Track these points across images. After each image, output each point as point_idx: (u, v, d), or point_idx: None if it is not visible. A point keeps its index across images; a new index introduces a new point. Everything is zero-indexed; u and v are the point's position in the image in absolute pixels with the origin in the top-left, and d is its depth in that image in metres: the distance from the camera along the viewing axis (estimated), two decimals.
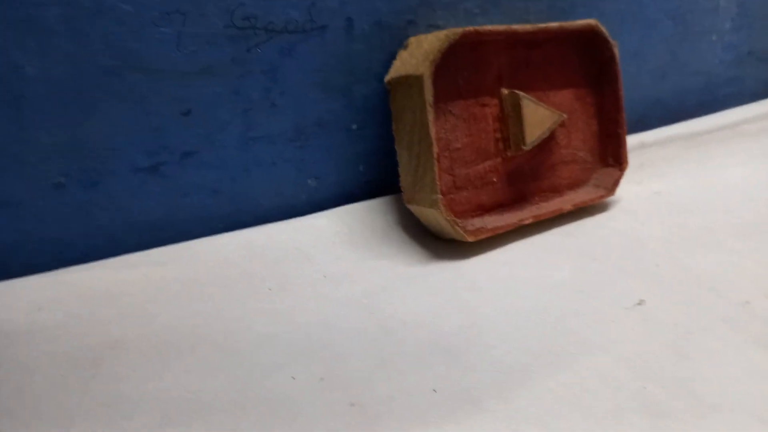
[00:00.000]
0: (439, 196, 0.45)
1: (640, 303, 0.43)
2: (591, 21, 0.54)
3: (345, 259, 0.46)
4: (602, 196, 0.56)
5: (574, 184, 0.58)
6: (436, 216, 0.47)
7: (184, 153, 0.42)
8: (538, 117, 0.51)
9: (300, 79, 0.44)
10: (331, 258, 0.46)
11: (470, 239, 0.47)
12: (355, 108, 0.48)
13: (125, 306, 0.38)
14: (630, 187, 0.63)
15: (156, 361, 0.34)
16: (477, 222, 0.49)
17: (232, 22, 0.39)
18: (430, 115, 0.44)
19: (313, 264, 0.44)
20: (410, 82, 0.45)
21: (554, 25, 0.51)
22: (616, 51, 0.56)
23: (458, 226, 0.46)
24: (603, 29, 0.55)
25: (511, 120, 0.50)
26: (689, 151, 0.72)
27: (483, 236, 0.48)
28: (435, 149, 0.44)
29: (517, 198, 0.54)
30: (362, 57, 0.46)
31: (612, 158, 0.58)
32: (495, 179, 0.52)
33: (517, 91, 0.50)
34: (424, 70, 0.43)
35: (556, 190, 0.56)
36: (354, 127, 0.49)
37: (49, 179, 0.38)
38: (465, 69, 0.49)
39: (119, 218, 0.41)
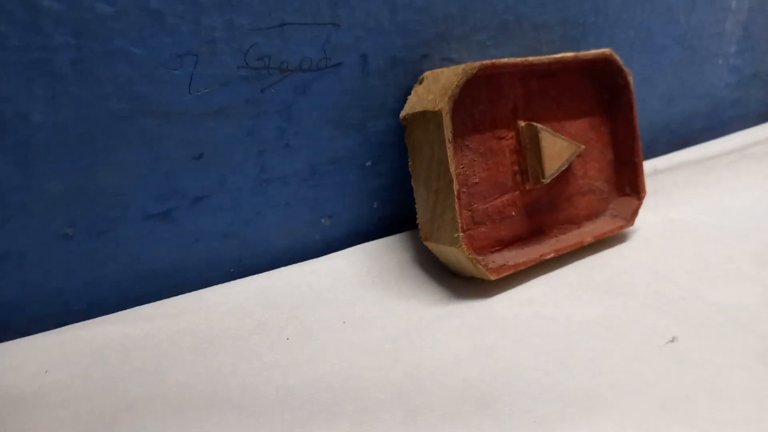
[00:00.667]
0: (460, 234, 0.43)
1: (673, 340, 0.42)
2: (605, 50, 0.53)
3: (364, 301, 0.44)
4: (621, 227, 0.55)
5: (592, 215, 0.56)
6: (456, 254, 0.45)
7: (196, 198, 0.40)
8: (556, 149, 0.49)
9: (314, 118, 0.43)
10: (349, 301, 0.44)
11: (492, 277, 0.45)
12: (370, 144, 0.46)
13: (137, 363, 0.36)
14: (645, 215, 0.62)
15: (172, 423, 0.32)
16: (497, 258, 0.48)
17: (246, 62, 0.38)
18: (450, 152, 0.43)
19: (331, 309, 0.43)
20: (428, 117, 0.43)
21: (569, 55, 0.50)
22: (631, 79, 0.55)
23: (480, 264, 0.45)
24: (617, 58, 0.54)
25: (528, 152, 0.49)
26: (699, 176, 0.71)
27: (505, 273, 0.46)
28: (456, 186, 0.43)
29: (535, 231, 0.52)
30: (377, 93, 0.45)
31: (629, 187, 0.57)
32: (513, 213, 0.50)
33: (534, 123, 0.48)
34: (443, 105, 0.42)
35: (574, 222, 0.55)
36: (368, 163, 0.47)
37: (56, 229, 0.36)
38: (481, 102, 0.47)
39: (128, 267, 0.39)
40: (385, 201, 0.50)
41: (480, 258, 0.45)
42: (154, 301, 0.39)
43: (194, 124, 0.38)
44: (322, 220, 0.47)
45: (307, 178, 0.44)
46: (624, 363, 0.39)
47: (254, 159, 0.41)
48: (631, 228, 0.58)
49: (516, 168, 0.50)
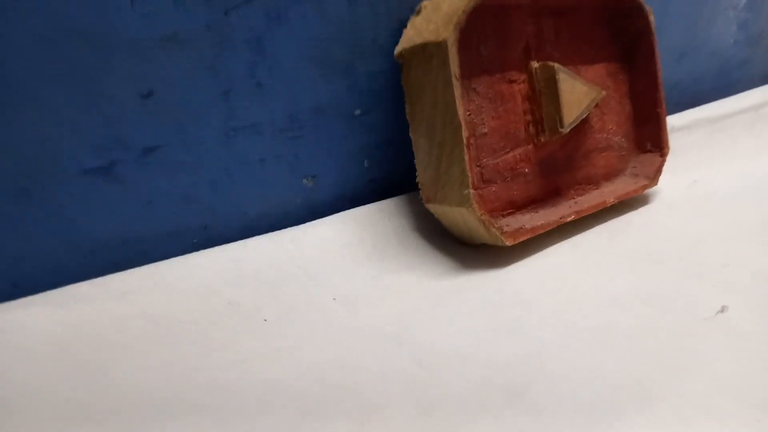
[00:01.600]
0: (471, 190, 0.36)
1: (723, 310, 0.35)
2: None
3: (358, 275, 0.37)
4: (645, 187, 0.48)
5: (611, 174, 0.50)
6: (465, 216, 0.38)
7: (146, 149, 0.32)
8: (575, 94, 0.42)
9: (292, 53, 0.35)
10: (340, 276, 0.36)
11: (508, 243, 0.38)
12: (359, 89, 0.39)
13: (73, 357, 0.28)
14: (665, 176, 0.55)
15: None
16: (512, 221, 0.41)
17: None
18: (458, 91, 0.35)
19: (317, 284, 0.35)
20: (430, 51, 0.36)
21: None
22: (652, 19, 0.48)
23: (494, 227, 0.37)
24: None
25: (544, 98, 0.42)
26: (715, 136, 0.65)
27: (522, 238, 0.39)
28: (465, 133, 0.35)
29: (550, 191, 0.45)
30: (367, 25, 0.37)
31: (651, 143, 0.50)
32: (527, 170, 0.43)
33: (551, 63, 0.41)
34: (448, 35, 0.35)
35: (592, 181, 0.48)
36: (357, 112, 0.40)
37: None
38: (489, 39, 0.40)
39: (62, 236, 0.31)
40: (378, 159, 0.42)
41: (493, 220, 0.38)
42: (96, 277, 0.31)
43: (140, 54, 0.30)
44: (304, 181, 0.39)
45: (284, 129, 0.37)
46: (671, 340, 0.33)
47: (218, 101, 0.34)
48: (654, 190, 0.51)
49: (529, 117, 0.43)
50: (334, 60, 0.37)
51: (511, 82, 0.42)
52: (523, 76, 0.42)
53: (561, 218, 0.42)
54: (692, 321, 0.34)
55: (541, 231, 0.40)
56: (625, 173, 0.50)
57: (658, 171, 0.49)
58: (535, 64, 0.42)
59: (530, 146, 0.43)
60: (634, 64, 0.50)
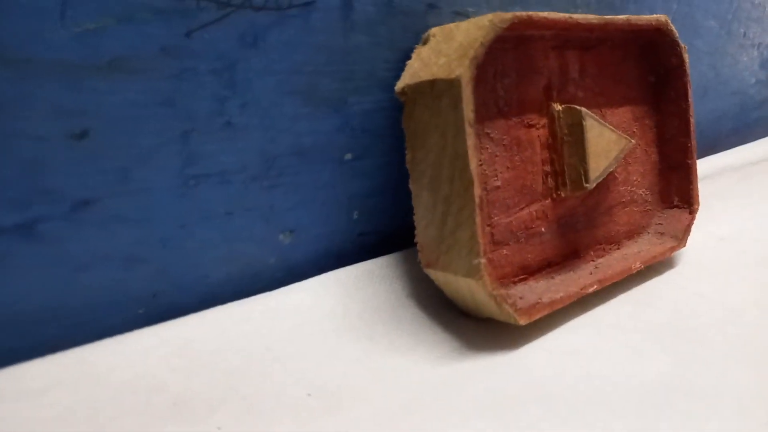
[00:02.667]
0: (482, 260, 0.30)
1: None
2: (660, 17, 0.40)
3: (340, 358, 0.30)
4: (672, 249, 0.42)
5: (633, 232, 0.44)
6: (472, 289, 0.31)
7: (79, 202, 0.25)
8: (603, 143, 0.36)
9: (270, 85, 0.29)
10: (318, 359, 0.30)
11: (522, 321, 0.32)
12: (351, 129, 0.32)
13: None
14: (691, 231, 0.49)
15: None
16: (525, 292, 0.34)
17: None
18: (471, 140, 0.29)
19: (290, 373, 0.28)
20: (439, 90, 0.30)
21: (620, 18, 0.37)
22: (686, 57, 0.42)
23: (507, 303, 0.31)
24: (672, 28, 0.41)
25: (567, 147, 0.36)
26: (740, 185, 0.60)
27: (538, 315, 0.33)
28: (477, 190, 0.29)
29: (568, 253, 0.39)
30: (364, 54, 0.31)
31: (678, 197, 0.44)
32: (543, 229, 0.37)
33: (577, 107, 0.35)
34: (463, 71, 0.28)
35: (613, 240, 0.42)
36: (348, 156, 0.33)
37: None
38: (507, 75, 0.34)
39: None
40: (370, 210, 0.36)
41: (506, 294, 0.32)
42: (6, 366, 0.24)
43: (73, 84, 0.24)
44: (281, 237, 0.32)
45: (258, 176, 0.30)
46: None
47: (175, 144, 0.27)
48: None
49: (548, 168, 0.37)
50: (321, 95, 0.31)
51: (530, 126, 0.35)
52: (544, 120, 0.36)
53: (582, 289, 0.35)
54: (747, 421, 0.28)
55: (560, 305, 0.34)
56: (649, 230, 0.44)
57: (687, 230, 0.43)
58: (557, 107, 0.36)
59: (548, 201, 0.37)
60: (663, 107, 0.44)
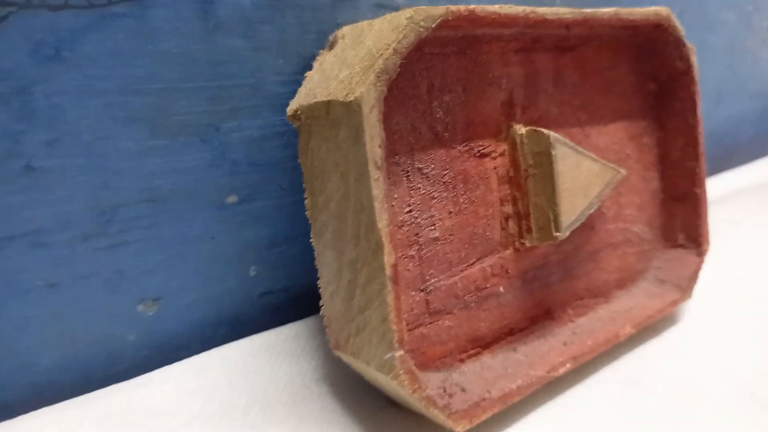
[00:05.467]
0: (398, 353, 0.21)
1: None
2: (660, 9, 0.31)
3: None
4: (675, 303, 0.34)
5: (626, 279, 0.35)
6: (392, 385, 0.23)
7: None
8: (581, 177, 0.27)
9: (94, 111, 0.20)
10: None
11: (459, 429, 0.23)
12: (231, 164, 0.24)
13: None
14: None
15: None
16: (471, 379, 0.26)
17: None
18: (377, 187, 0.20)
19: None
20: (336, 116, 0.21)
21: (606, 12, 0.29)
22: (694, 60, 0.33)
23: (436, 407, 0.22)
24: (676, 23, 0.32)
25: (533, 182, 0.27)
26: (760, 210, 0.50)
27: (483, 417, 0.24)
28: (389, 258, 0.21)
29: (538, 315, 0.30)
30: (240, 63, 0.23)
31: (684, 235, 0.36)
32: (502, 289, 0.28)
33: (544, 131, 0.26)
34: (364, 91, 0.20)
35: (599, 293, 0.33)
36: (231, 200, 0.25)
37: None
38: (449, 89, 0.25)
39: None
40: (273, 264, 0.27)
41: (437, 392, 0.23)
42: None
43: None
44: (140, 307, 0.24)
45: (91, 234, 0.22)
46: None
47: None
48: None
49: (508, 209, 0.28)
50: (179, 121, 0.22)
51: (482, 156, 0.27)
52: (502, 147, 0.27)
53: (549, 371, 0.27)
54: None
55: (516, 399, 0.25)
56: (647, 277, 0.35)
57: (694, 277, 0.35)
58: (520, 129, 0.27)
59: (508, 252, 0.28)
60: (666, 123, 0.35)
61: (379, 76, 0.20)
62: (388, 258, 0.21)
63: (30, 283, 0.22)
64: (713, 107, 0.53)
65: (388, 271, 0.21)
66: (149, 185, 0.22)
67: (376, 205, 0.20)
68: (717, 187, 0.51)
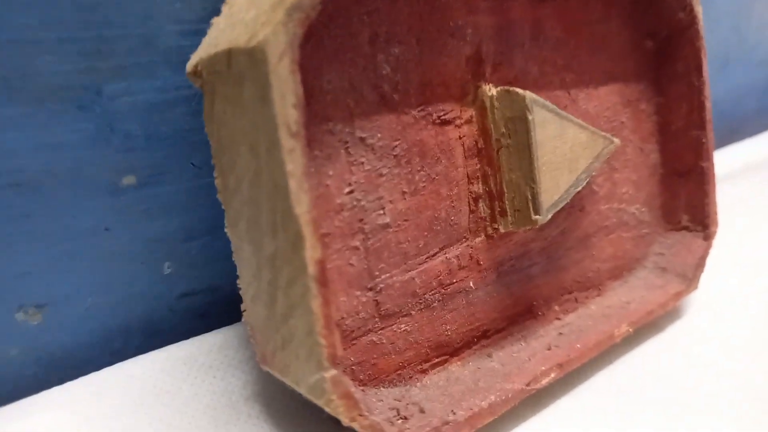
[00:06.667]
0: (327, 374, 0.16)
1: None
2: None
3: None
4: (679, 295, 0.29)
5: (622, 268, 0.30)
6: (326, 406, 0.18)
7: None
8: (565, 147, 0.23)
9: None
10: None
11: None
12: (123, 137, 0.19)
13: None
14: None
15: None
16: (432, 396, 0.21)
17: None
18: (295, 160, 0.15)
19: None
20: (240, 69, 0.16)
21: None
22: (699, 10, 0.28)
23: None
24: None
25: (506, 154, 0.22)
26: None
27: None
28: (312, 252, 0.16)
29: (516, 313, 0.26)
30: (126, 6, 0.17)
31: (688, 215, 0.31)
32: (472, 283, 0.23)
33: (518, 90, 0.21)
34: (271, 33, 0.15)
35: (591, 284, 0.29)
36: (128, 181, 0.20)
37: None
38: (398, 39, 0.20)
39: None
40: (194, 259, 0.22)
41: (387, 415, 0.19)
42: None
43: None
44: (19, 315, 0.19)
45: None
46: None
47: None
48: None
49: (477, 188, 0.23)
50: (44, 83, 0.17)
51: (444, 123, 0.22)
52: (469, 113, 0.23)
53: (529, 384, 0.22)
54: None
55: (489, 419, 0.21)
56: (646, 265, 0.31)
57: (700, 265, 0.30)
58: (490, 91, 0.22)
59: (479, 240, 0.23)
60: (667, 86, 0.30)
61: (290, 14, 0.15)
62: (311, 253, 0.16)
63: None
64: (716, 75, 0.48)
65: (312, 270, 0.16)
66: (12, 166, 0.18)
67: (292, 184, 0.16)
68: (720, 163, 0.46)
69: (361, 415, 0.17)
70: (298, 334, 0.17)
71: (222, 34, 0.18)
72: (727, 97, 0.51)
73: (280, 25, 0.15)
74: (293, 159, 0.16)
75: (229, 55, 0.16)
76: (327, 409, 0.17)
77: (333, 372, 0.17)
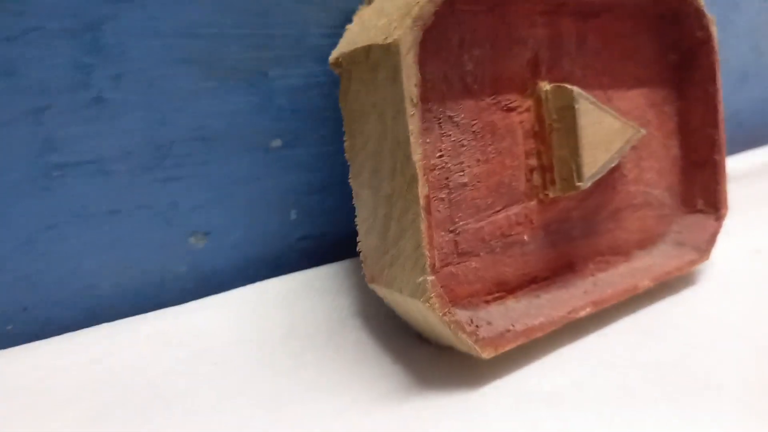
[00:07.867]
0: (429, 278, 0.23)
1: None
2: None
3: (254, 403, 0.24)
4: (693, 263, 0.35)
5: (647, 241, 0.36)
6: (422, 311, 0.25)
7: None
8: (602, 132, 0.29)
9: (155, 51, 0.23)
10: (221, 406, 0.23)
11: (486, 355, 0.25)
12: (277, 109, 0.26)
13: None
14: (717, 243, 0.41)
15: None
16: (497, 316, 0.28)
17: None
18: (413, 123, 0.22)
19: (189, 415, 0.22)
20: (375, 59, 0.23)
21: None
22: (714, 30, 0.35)
23: (464, 332, 0.24)
24: None
25: (556, 136, 0.29)
26: None
27: (508, 347, 0.26)
28: (422, 188, 0.23)
29: (560, 266, 0.32)
30: (286, 15, 0.25)
31: (703, 200, 0.37)
32: (526, 237, 0.30)
33: (569, 86, 0.28)
34: (402, 34, 0.22)
35: (620, 251, 0.35)
36: (276, 143, 0.27)
37: None
38: (479, 44, 0.27)
39: None
40: (313, 209, 0.29)
41: (465, 320, 0.25)
42: None
43: None
44: (191, 240, 0.26)
45: (150, 166, 0.24)
46: None
47: (24, 124, 0.21)
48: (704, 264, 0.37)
49: (533, 162, 0.30)
50: (229, 65, 0.25)
51: (509, 110, 0.29)
52: (528, 103, 0.29)
53: (570, 312, 0.28)
54: None
55: (539, 334, 0.27)
56: (666, 240, 0.37)
57: (712, 240, 0.36)
58: (545, 86, 0.29)
59: (533, 203, 0.30)
60: (687, 92, 0.37)
61: (415, 21, 0.22)
62: (422, 189, 0.23)
63: (92, 210, 0.24)
64: (737, 88, 0.54)
65: (422, 201, 0.23)
66: (201, 124, 0.25)
67: (412, 139, 0.22)
68: (737, 166, 0.52)
69: (450, 312, 0.24)
70: (407, 250, 0.24)
71: (358, 36, 0.25)
72: (747, 108, 0.57)
73: (408, 29, 0.22)
74: (413, 121, 0.22)
75: (368, 50, 0.23)
76: (425, 307, 0.24)
77: (432, 277, 0.23)
